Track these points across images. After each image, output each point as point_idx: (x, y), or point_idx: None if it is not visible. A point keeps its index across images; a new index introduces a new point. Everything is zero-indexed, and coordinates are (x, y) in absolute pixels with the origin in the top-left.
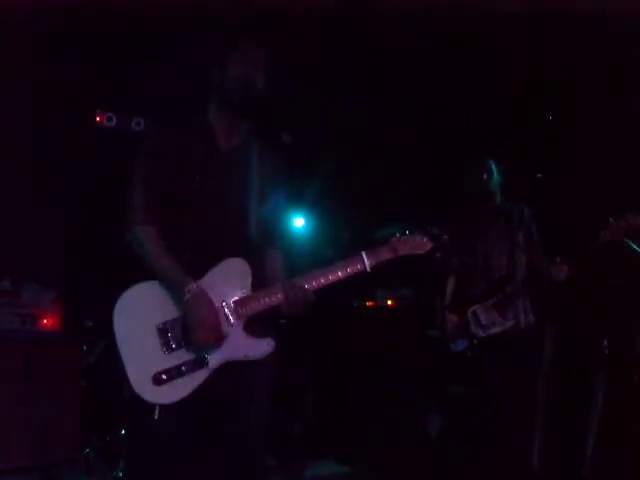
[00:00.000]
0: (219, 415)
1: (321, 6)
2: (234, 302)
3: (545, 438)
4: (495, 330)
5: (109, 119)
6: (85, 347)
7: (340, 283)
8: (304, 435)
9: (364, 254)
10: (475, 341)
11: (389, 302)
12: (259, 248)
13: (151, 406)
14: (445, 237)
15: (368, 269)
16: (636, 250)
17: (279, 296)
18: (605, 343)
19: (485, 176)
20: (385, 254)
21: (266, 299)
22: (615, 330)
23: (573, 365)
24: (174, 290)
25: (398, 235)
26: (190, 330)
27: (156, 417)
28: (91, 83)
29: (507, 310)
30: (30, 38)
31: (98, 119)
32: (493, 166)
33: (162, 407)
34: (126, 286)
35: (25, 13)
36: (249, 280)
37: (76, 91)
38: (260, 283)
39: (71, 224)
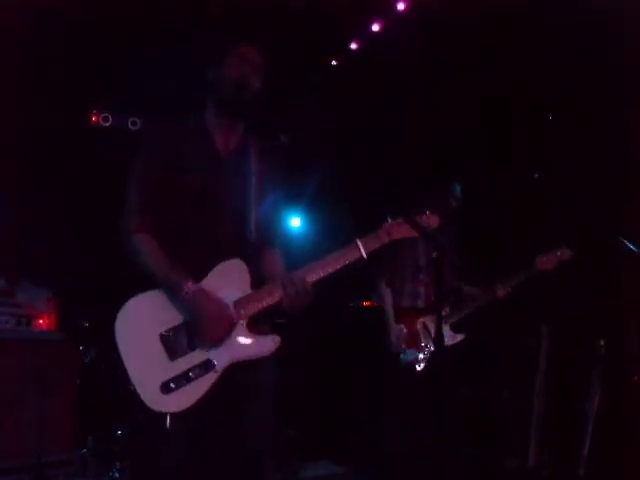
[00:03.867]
0: (226, 417)
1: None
2: (235, 303)
3: (542, 437)
4: (447, 343)
5: (105, 119)
6: (81, 347)
7: (338, 274)
8: (301, 435)
9: (359, 242)
10: (426, 353)
11: None
12: (258, 248)
13: (162, 416)
14: (432, 226)
15: (364, 256)
16: (632, 249)
17: (279, 293)
18: (602, 343)
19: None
20: (379, 240)
21: (266, 297)
22: (612, 329)
23: (570, 365)
24: (173, 293)
25: (390, 220)
26: (199, 328)
27: (168, 426)
28: (87, 83)
29: (457, 323)
30: (28, 38)
31: (94, 119)
32: None
33: (173, 415)
34: (122, 286)
35: (23, 12)
36: (248, 280)
37: (72, 91)
38: (261, 283)
39: (67, 224)
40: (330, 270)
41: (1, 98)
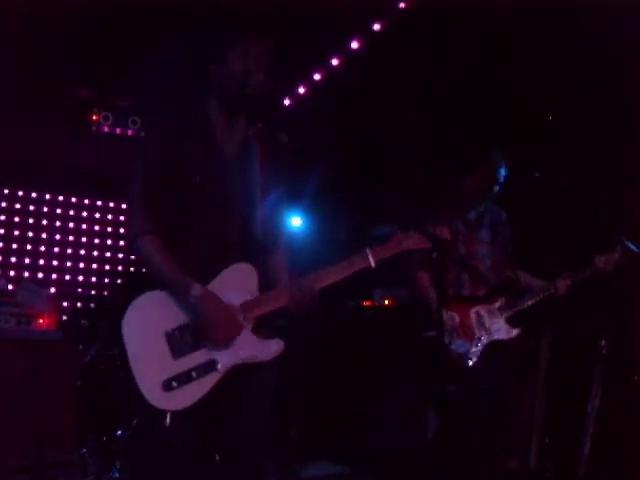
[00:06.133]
0: (225, 419)
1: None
2: (241, 305)
3: (543, 438)
4: (500, 336)
5: (106, 118)
6: (81, 347)
7: (345, 282)
8: (301, 435)
9: (368, 251)
10: (479, 345)
11: (386, 302)
12: (264, 246)
13: (162, 413)
14: (443, 237)
15: (373, 266)
16: (634, 251)
17: (285, 297)
18: (603, 343)
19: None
20: (389, 250)
21: (273, 301)
22: (614, 330)
23: (571, 365)
24: (180, 295)
25: (400, 231)
26: (206, 331)
27: (167, 424)
28: (88, 81)
29: (514, 316)
30: (29, 37)
31: (95, 117)
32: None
33: (173, 413)
34: (122, 286)
35: (24, 11)
36: (255, 283)
37: (73, 90)
38: (266, 282)
39: (67, 223)
40: (338, 278)
41: (1, 97)
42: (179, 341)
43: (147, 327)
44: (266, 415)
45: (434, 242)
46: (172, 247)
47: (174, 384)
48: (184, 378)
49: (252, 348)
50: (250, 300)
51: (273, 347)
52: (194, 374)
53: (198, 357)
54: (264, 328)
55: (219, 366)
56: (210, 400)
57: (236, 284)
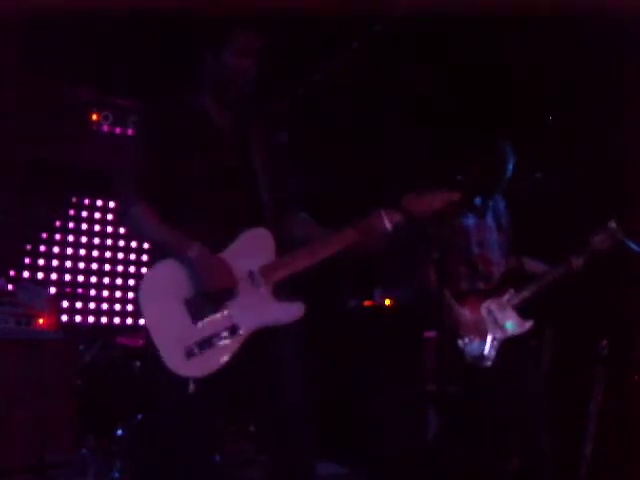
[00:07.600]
0: (253, 386)
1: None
2: (260, 269)
3: (543, 438)
4: (515, 332)
5: (106, 118)
6: (81, 347)
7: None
8: None
9: (349, 228)
10: (495, 344)
11: (386, 302)
12: (276, 218)
13: (185, 381)
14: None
15: (357, 239)
16: (635, 250)
17: (304, 260)
18: (604, 343)
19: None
20: (371, 225)
21: (292, 264)
22: (615, 330)
23: (572, 365)
24: (178, 255)
25: (383, 210)
26: (203, 281)
27: (191, 391)
28: (88, 81)
29: (526, 306)
30: (29, 37)
31: (95, 117)
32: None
33: (196, 380)
34: (121, 286)
35: (25, 11)
36: (272, 247)
37: (73, 90)
38: (283, 246)
39: (67, 223)
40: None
41: (1, 97)
42: (198, 307)
43: (165, 295)
44: (297, 379)
45: (413, 217)
46: (180, 224)
47: (195, 350)
48: (206, 344)
49: (272, 312)
50: (270, 264)
51: (294, 310)
52: (215, 340)
53: (219, 323)
54: (285, 291)
55: (240, 330)
56: (234, 367)
57: (252, 249)
